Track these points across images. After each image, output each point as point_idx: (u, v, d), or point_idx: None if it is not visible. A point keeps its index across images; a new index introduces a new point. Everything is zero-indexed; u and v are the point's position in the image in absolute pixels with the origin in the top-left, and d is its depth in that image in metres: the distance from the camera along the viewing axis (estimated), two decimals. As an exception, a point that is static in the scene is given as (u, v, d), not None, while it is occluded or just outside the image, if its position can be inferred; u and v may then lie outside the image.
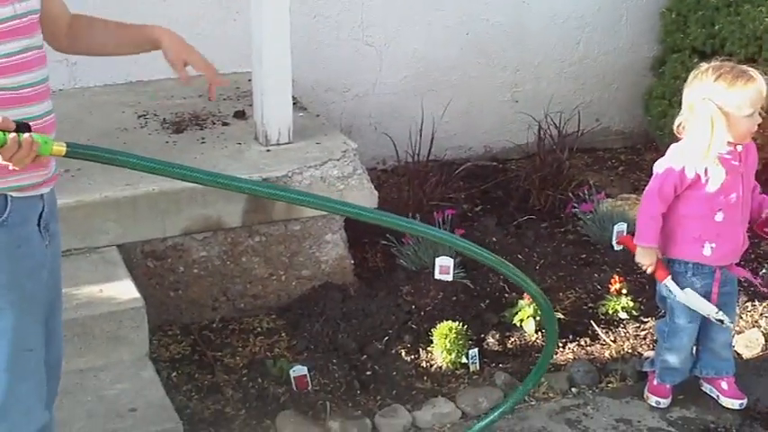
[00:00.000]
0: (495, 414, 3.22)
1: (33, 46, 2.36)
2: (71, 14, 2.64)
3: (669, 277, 3.52)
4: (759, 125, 3.41)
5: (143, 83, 4.90)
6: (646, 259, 3.52)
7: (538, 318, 3.94)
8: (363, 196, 4.17)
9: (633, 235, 3.61)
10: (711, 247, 3.47)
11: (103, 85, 4.81)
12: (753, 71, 3.36)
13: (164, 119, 4.52)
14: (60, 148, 2.19)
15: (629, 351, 3.96)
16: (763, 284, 4.05)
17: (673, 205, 3.46)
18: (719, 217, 3.44)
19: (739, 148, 3.41)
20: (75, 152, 2.22)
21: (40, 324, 2.45)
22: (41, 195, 2.42)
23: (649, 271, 3.55)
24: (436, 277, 4.09)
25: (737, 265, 3.66)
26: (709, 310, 3.51)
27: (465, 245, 2.76)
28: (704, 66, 3.39)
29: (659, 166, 3.48)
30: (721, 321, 3.51)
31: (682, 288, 3.51)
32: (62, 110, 4.43)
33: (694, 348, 3.68)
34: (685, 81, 3.44)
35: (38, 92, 2.36)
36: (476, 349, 3.84)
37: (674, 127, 3.46)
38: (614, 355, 3.94)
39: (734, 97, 3.29)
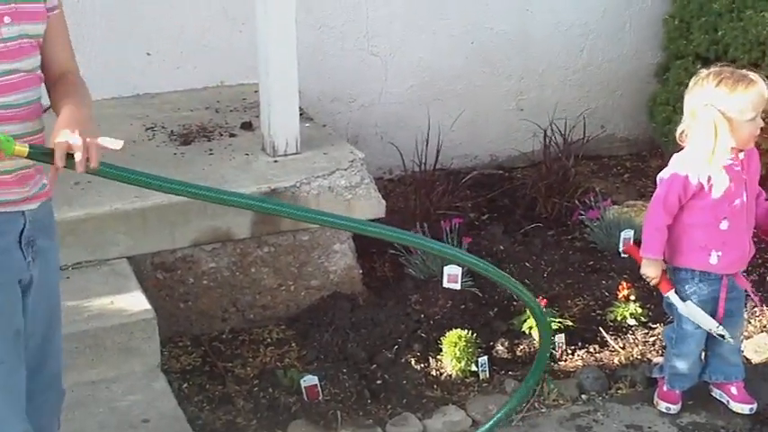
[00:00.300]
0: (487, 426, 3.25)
1: (21, 69, 2.31)
2: (70, 72, 2.49)
3: (673, 290, 3.53)
4: (761, 129, 3.41)
5: (150, 95, 4.93)
6: (651, 271, 3.52)
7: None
8: (371, 206, 4.19)
9: (638, 243, 3.61)
10: (718, 256, 3.46)
11: (111, 98, 4.82)
12: (753, 75, 3.35)
13: (171, 131, 4.54)
14: (23, 148, 2.18)
15: (639, 357, 3.97)
16: (760, 299, 4.08)
17: (677, 214, 3.46)
18: (724, 225, 3.43)
19: (741, 155, 3.41)
20: (37, 155, 2.21)
21: (12, 337, 2.40)
22: (23, 212, 2.38)
23: (653, 283, 3.56)
24: (444, 286, 4.09)
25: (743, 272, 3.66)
26: (710, 324, 3.51)
27: (452, 252, 2.78)
28: (704, 72, 3.39)
29: (663, 177, 3.48)
30: (722, 336, 3.52)
31: (684, 300, 3.52)
32: (71, 123, 4.49)
33: (703, 354, 3.68)
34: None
35: (21, 113, 2.32)
36: (485, 357, 3.85)
37: (677, 135, 3.45)
38: (623, 361, 3.95)
39: (736, 102, 3.29)
